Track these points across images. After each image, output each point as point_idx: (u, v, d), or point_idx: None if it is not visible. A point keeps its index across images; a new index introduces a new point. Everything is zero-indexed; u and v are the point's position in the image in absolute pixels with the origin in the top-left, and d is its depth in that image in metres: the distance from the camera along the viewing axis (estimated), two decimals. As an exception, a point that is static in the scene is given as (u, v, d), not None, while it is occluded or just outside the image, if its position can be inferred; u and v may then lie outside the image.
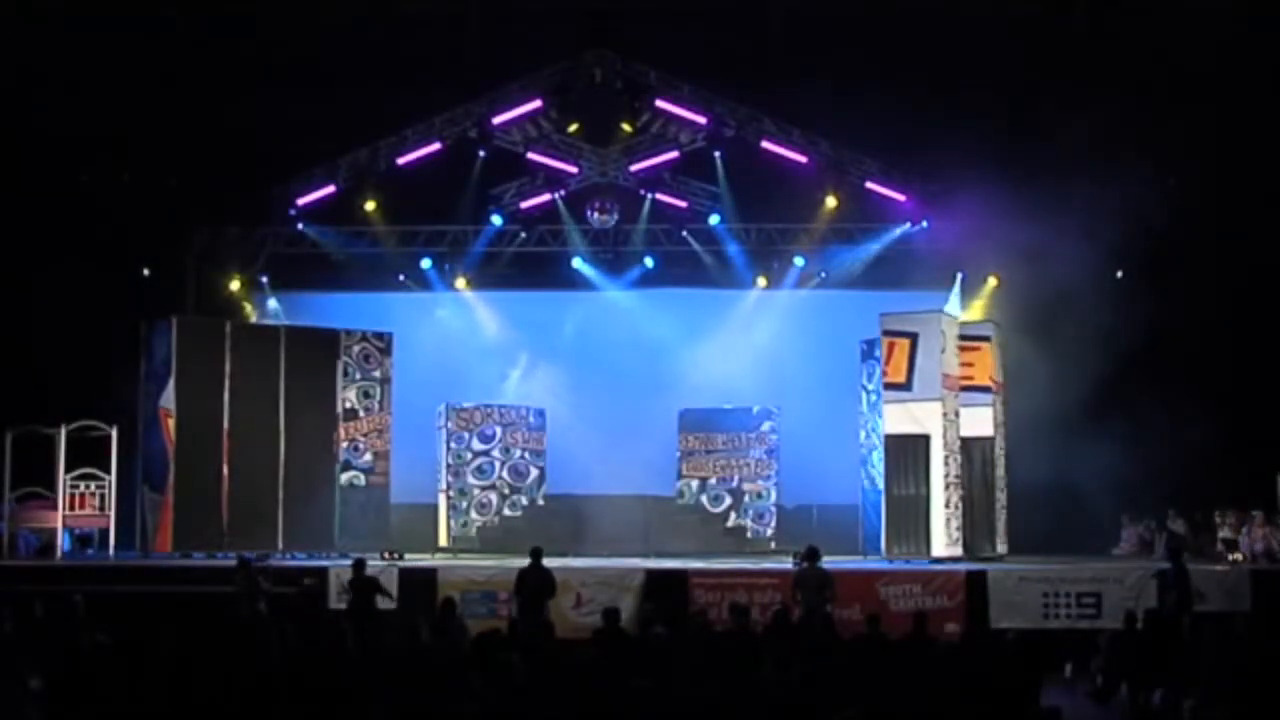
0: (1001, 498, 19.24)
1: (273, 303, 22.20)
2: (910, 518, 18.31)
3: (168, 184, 20.08)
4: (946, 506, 18.24)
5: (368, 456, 20.43)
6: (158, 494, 19.18)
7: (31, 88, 18.85)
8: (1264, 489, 18.87)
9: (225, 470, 19.36)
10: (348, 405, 20.38)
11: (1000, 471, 19.23)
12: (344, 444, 20.26)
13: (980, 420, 19.11)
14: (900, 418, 18.42)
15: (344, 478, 20.21)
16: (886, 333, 18.50)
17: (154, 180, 19.92)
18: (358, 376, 20.54)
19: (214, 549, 18.76)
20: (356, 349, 20.54)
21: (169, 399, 19.30)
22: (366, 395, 20.57)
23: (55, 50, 18.66)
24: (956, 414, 18.57)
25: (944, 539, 18.12)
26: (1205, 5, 18.32)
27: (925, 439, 18.29)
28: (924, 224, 21.40)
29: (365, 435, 20.46)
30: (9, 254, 19.37)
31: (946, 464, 18.29)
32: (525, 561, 15.20)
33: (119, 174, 20.09)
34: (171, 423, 19.35)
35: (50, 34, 18.59)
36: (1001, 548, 19.01)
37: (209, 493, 19.27)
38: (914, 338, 18.43)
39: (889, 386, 18.49)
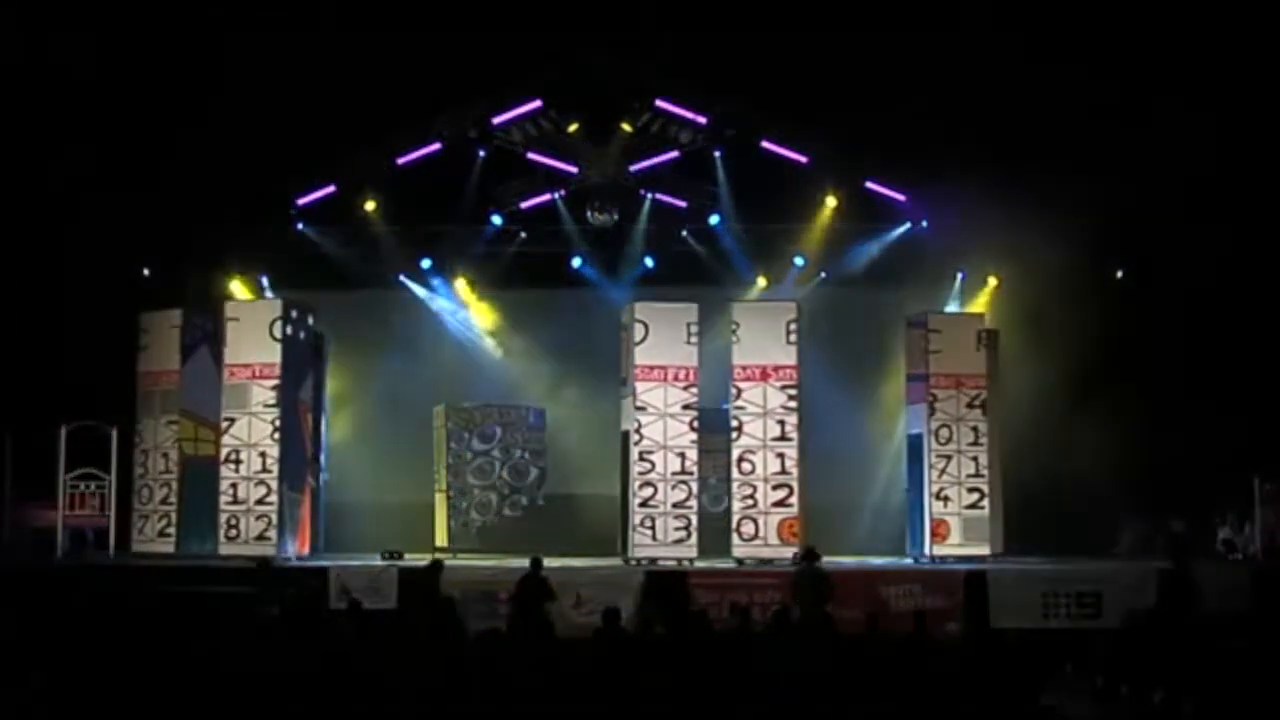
0: (925, 497, 18.63)
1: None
2: (618, 517, 18.54)
3: (168, 184, 20.06)
4: (644, 505, 18.04)
5: (321, 458, 20.87)
6: (296, 492, 19.02)
7: (31, 87, 18.85)
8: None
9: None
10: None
11: (928, 469, 18.64)
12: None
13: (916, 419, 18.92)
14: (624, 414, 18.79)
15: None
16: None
17: (154, 180, 19.89)
18: (325, 378, 21.06)
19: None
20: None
21: (309, 392, 19.28)
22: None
23: (54, 48, 18.66)
24: (689, 406, 18.22)
25: (643, 539, 17.95)
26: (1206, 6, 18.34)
27: (626, 435, 18.44)
28: (924, 224, 21.37)
29: (320, 436, 20.89)
30: (9, 254, 19.36)
31: (644, 460, 18.12)
32: (524, 562, 15.25)
33: (118, 174, 20.07)
34: (310, 418, 19.27)
35: (49, 31, 18.60)
36: (937, 549, 18.46)
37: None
38: (630, 330, 18.64)
39: (620, 382, 18.90)
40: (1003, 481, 19.29)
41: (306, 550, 19.14)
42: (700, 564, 17.85)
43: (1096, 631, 14.52)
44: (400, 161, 20.83)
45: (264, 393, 18.69)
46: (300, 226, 21.58)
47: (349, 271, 21.85)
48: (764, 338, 18.51)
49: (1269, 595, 15.98)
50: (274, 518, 18.44)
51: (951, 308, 21.12)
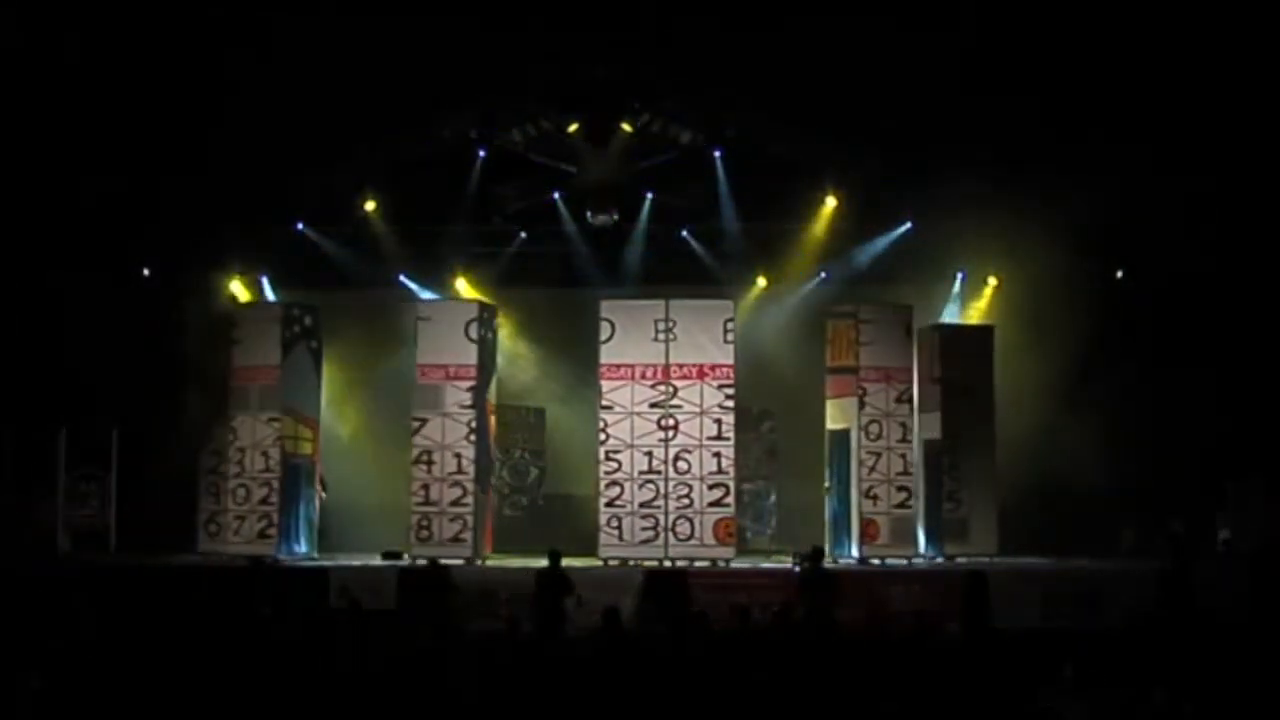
0: (853, 494, 18.41)
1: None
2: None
3: (168, 184, 20.08)
4: (610, 505, 18.00)
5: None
6: (484, 494, 18.90)
7: (31, 87, 18.86)
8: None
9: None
10: None
11: (857, 466, 18.40)
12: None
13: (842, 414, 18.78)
14: None
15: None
16: None
17: (154, 180, 19.90)
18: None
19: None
20: None
21: (494, 392, 19.24)
22: None
23: (54, 47, 18.67)
24: (656, 405, 18.08)
25: (609, 539, 17.89)
26: (1210, 9, 18.35)
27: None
28: (923, 224, 21.35)
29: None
30: (10, 255, 19.37)
31: (610, 459, 18.06)
32: (524, 562, 15.28)
33: (119, 175, 20.08)
34: (494, 419, 19.20)
35: (48, 28, 18.61)
36: (866, 550, 18.20)
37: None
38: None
39: None
40: (1002, 482, 19.28)
41: (489, 549, 19.00)
42: (697, 564, 17.81)
43: (1096, 631, 14.50)
44: (400, 161, 20.81)
45: (459, 394, 18.53)
46: (300, 226, 21.58)
47: (349, 271, 21.85)
48: (700, 336, 18.43)
49: (1269, 595, 15.99)
50: (469, 519, 18.26)
51: (952, 308, 21.14)
